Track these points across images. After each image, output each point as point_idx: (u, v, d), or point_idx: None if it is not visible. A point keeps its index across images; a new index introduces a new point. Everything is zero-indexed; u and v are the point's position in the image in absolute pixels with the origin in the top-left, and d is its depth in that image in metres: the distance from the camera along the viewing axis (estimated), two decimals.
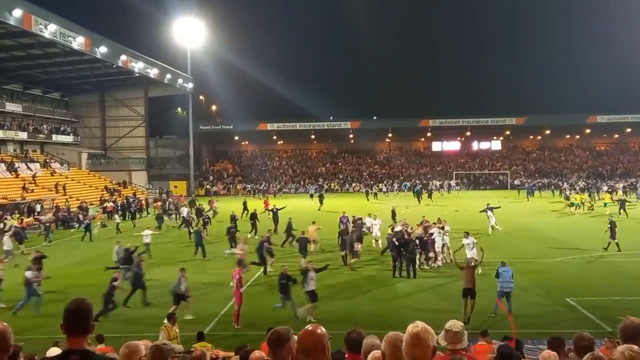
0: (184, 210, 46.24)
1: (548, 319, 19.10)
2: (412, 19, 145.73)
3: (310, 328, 4.33)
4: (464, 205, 56.98)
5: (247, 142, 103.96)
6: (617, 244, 31.27)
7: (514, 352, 6.69)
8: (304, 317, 19.43)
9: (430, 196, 67.10)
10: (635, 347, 4.36)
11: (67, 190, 62.64)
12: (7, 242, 32.80)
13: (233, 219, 40.27)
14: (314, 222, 35.00)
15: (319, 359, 4.17)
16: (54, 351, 9.94)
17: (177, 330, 15.36)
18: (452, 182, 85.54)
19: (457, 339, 6.35)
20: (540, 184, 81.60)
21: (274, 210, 43.30)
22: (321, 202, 59.54)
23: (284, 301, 20.36)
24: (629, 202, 52.33)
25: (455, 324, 6.51)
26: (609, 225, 32.25)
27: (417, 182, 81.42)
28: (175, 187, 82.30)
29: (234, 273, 20.60)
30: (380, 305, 21.86)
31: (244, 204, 52.41)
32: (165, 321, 15.42)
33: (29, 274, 22.16)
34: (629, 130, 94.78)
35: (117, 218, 48.69)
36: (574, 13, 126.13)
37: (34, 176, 62.32)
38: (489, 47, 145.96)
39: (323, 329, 4.35)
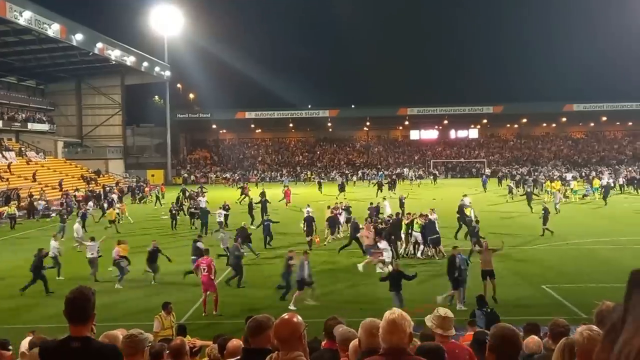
0: (202, 201, 44.14)
1: (524, 305, 19.32)
2: (391, 8, 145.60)
3: (286, 317, 4.35)
4: (442, 194, 57.11)
5: (225, 131, 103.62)
6: (547, 230, 32.82)
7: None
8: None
9: (392, 188, 60.85)
10: (595, 327, 4.44)
11: (42, 179, 62.08)
12: None
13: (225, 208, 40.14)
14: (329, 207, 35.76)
15: (295, 347, 4.19)
16: (27, 340, 9.93)
17: (173, 320, 15.27)
18: (436, 172, 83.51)
19: (447, 325, 6.44)
20: (501, 173, 79.65)
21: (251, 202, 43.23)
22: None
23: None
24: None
25: (448, 311, 6.62)
26: (543, 212, 33.54)
27: (384, 172, 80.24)
28: (153, 175, 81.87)
29: (201, 261, 20.69)
30: (360, 292, 21.98)
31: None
32: (162, 312, 15.24)
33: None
34: (604, 118, 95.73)
35: (90, 207, 48.05)
36: (551, 2, 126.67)
37: (9, 165, 61.65)
38: (467, 36, 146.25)
39: (299, 318, 4.37)
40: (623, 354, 0.72)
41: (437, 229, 28.48)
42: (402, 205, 40.32)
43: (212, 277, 20.18)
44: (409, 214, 31.32)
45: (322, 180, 71.53)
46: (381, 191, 57.17)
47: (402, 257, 27.66)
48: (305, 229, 31.79)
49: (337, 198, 47.32)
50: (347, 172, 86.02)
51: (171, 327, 14.66)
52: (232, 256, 24.13)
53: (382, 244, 25.07)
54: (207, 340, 11.79)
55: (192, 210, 41.23)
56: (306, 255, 21.28)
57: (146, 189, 64.68)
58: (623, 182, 62.53)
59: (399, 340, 3.89)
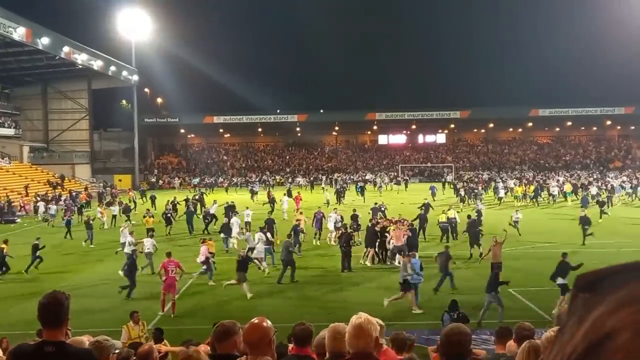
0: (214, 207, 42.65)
1: (491, 309, 19.45)
2: (359, 13, 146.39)
3: (256, 321, 4.37)
4: (414, 199, 57.22)
5: (193, 135, 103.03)
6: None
7: (408, 338, 6.85)
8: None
9: (341, 197, 58.20)
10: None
11: (7, 184, 61.24)
12: None
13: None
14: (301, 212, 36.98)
15: (264, 352, 4.20)
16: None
17: (143, 328, 14.97)
18: (407, 178, 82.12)
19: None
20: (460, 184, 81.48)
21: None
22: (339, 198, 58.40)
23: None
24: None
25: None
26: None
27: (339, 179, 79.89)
28: (120, 180, 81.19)
29: (168, 263, 20.70)
30: (329, 298, 22.02)
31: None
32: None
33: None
34: (569, 123, 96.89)
35: (52, 210, 47.38)
36: (518, 8, 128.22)
37: None
38: (435, 42, 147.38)
39: (269, 322, 4.38)
40: (556, 358, 0.74)
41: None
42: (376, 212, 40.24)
43: (177, 280, 20.61)
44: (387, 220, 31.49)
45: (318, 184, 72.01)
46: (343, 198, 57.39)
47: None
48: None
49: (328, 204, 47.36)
50: (340, 177, 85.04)
51: (139, 337, 14.37)
52: (286, 251, 24.66)
53: None
54: (176, 345, 11.72)
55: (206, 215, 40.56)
56: (408, 258, 21.21)
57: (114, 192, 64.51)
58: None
59: (365, 345, 3.91)
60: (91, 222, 35.76)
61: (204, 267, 24.74)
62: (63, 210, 46.56)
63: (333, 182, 76.85)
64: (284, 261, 24.66)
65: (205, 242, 25.85)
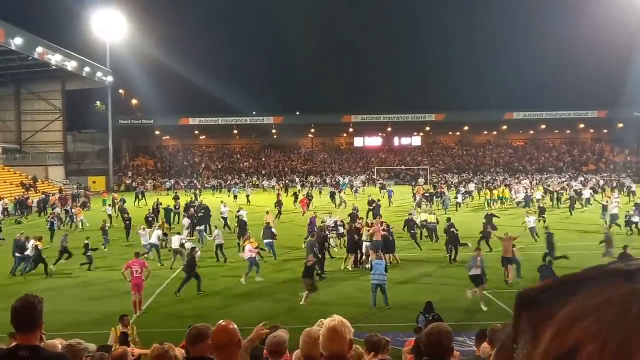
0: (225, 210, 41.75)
1: (465, 311, 19.55)
2: (336, 16, 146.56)
3: (223, 324, 4.35)
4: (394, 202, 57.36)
5: (168, 137, 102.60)
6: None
7: (382, 339, 6.89)
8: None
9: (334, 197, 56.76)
10: None
11: None
12: None
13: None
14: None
15: (234, 355, 4.18)
16: None
17: (132, 332, 14.79)
18: (383, 181, 79.91)
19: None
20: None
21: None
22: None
23: None
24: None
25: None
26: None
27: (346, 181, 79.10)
28: (94, 182, 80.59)
29: (133, 263, 21.08)
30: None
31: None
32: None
33: None
34: (543, 126, 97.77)
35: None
36: (493, 12, 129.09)
37: None
38: (411, 45, 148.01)
39: (235, 325, 4.36)
40: None
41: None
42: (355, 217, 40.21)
43: (144, 279, 21.10)
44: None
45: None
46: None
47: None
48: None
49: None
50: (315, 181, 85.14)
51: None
52: (311, 250, 25.03)
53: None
54: (148, 348, 11.63)
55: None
56: (479, 251, 21.85)
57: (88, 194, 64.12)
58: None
59: (339, 348, 3.90)
60: (107, 227, 35.46)
61: (251, 263, 25.26)
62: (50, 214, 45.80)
63: (310, 185, 76.38)
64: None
65: (249, 240, 26.49)
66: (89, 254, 27.89)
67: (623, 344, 0.59)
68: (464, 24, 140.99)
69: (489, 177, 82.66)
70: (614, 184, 68.58)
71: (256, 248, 25.68)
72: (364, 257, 27.56)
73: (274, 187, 79.10)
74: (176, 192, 62.10)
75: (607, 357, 0.59)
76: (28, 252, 27.08)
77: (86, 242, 28.60)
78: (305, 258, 23.85)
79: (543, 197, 54.12)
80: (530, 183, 71.98)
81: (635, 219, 36.08)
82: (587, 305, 0.65)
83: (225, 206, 41.22)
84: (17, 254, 27.30)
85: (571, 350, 0.63)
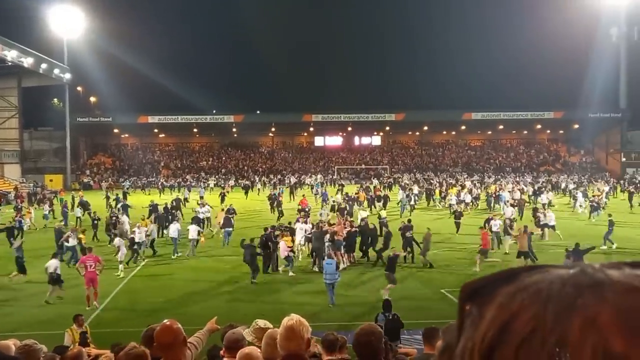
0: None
1: (423, 309, 19.74)
2: (297, 14, 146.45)
3: (167, 323, 4.38)
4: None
5: (127, 135, 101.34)
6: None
7: (339, 338, 6.96)
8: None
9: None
10: None
11: None
12: None
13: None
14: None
15: (179, 354, 4.21)
16: None
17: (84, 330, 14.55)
18: (342, 182, 77.64)
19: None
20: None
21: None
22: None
23: None
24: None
25: (267, 322, 6.60)
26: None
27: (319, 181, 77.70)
28: (51, 180, 79.43)
29: (87, 258, 21.54)
30: (264, 299, 22.02)
31: None
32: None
33: None
34: (501, 127, 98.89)
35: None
36: (452, 14, 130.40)
37: None
38: (370, 45, 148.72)
39: (179, 324, 4.40)
40: (465, 353, 0.75)
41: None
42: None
43: (98, 274, 21.40)
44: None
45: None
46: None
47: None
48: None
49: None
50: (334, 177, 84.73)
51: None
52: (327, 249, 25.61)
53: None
54: (105, 349, 11.55)
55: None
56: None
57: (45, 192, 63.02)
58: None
59: (296, 347, 3.95)
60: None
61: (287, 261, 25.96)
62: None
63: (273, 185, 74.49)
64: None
65: (283, 238, 26.84)
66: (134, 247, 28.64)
67: (560, 304, 0.63)
68: (423, 25, 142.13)
69: (439, 178, 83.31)
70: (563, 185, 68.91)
71: (289, 246, 26.01)
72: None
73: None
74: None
75: (544, 322, 0.63)
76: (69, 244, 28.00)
77: (132, 236, 29.43)
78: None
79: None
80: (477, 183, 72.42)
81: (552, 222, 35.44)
82: (526, 283, 0.69)
83: (203, 206, 40.08)
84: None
85: (510, 319, 0.67)
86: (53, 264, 22.33)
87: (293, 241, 27.83)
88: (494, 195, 52.61)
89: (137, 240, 28.57)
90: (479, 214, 44.53)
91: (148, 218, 35.75)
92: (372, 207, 50.07)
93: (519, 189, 57.72)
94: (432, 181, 74.19)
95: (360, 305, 20.44)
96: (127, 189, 67.59)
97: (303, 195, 52.98)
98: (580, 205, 49.27)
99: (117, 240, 28.10)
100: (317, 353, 5.87)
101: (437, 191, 58.20)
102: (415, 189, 58.51)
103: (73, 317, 14.83)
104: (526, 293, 0.68)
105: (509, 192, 54.28)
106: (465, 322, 0.76)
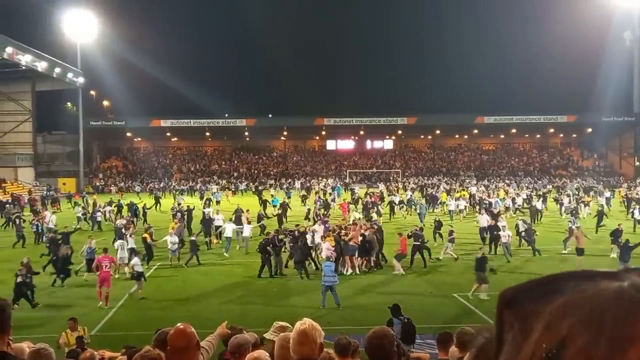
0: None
1: (435, 313, 19.69)
2: (309, 18, 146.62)
3: (181, 327, 4.38)
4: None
5: (139, 139, 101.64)
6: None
7: (352, 342, 6.93)
8: None
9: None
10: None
11: None
12: None
13: None
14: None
15: (192, 356, 4.21)
16: None
17: (82, 334, 14.52)
18: (355, 187, 74.90)
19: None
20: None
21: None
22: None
23: None
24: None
25: (287, 324, 6.64)
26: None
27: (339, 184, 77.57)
28: (64, 184, 79.73)
29: (103, 258, 22.68)
30: (275, 304, 22.03)
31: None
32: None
33: None
34: (514, 130, 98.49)
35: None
36: (465, 17, 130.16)
37: None
38: (383, 49, 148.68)
39: (192, 328, 4.40)
40: None
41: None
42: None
43: (112, 274, 23.02)
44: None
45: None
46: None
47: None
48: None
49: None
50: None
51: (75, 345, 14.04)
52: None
53: None
54: (116, 352, 11.57)
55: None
56: None
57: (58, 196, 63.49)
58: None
59: (309, 351, 3.93)
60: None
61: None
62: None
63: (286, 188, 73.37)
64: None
65: (328, 238, 27.03)
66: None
67: (616, 332, 0.58)
68: (436, 29, 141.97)
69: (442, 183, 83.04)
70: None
71: (333, 246, 25.95)
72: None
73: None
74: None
75: (601, 346, 0.59)
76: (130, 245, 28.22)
77: (193, 238, 30.81)
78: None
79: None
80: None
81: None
82: (578, 298, 0.64)
83: (218, 213, 38.90)
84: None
85: (563, 340, 0.63)
86: (135, 261, 23.83)
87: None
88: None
89: (170, 243, 29.37)
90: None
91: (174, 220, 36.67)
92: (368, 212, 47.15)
93: (517, 194, 57.27)
94: (439, 186, 73.41)
95: (372, 309, 20.35)
96: (138, 193, 67.10)
97: (344, 200, 53.88)
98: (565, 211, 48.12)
99: (118, 243, 28.28)
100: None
101: (443, 195, 57.71)
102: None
103: (67, 321, 14.94)
104: (577, 314, 0.63)
105: (512, 198, 54.06)
106: (505, 334, 0.72)
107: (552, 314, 0.65)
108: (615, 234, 29.83)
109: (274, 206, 49.72)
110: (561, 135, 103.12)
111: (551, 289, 0.69)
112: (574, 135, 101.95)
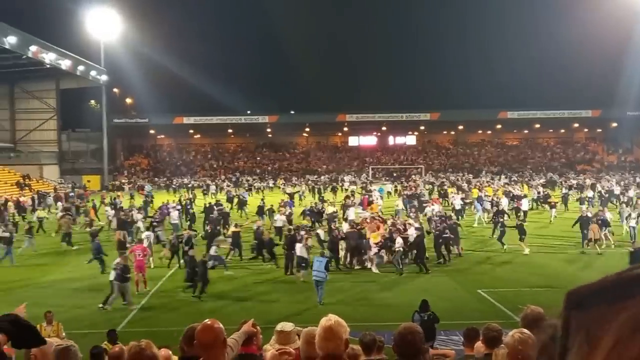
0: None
1: (460, 310, 19.58)
2: (332, 14, 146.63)
3: (208, 322, 4.36)
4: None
5: (162, 136, 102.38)
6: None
7: (377, 338, 6.87)
8: None
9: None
10: (526, 330, 4.58)
11: None
12: None
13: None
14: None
15: (219, 354, 4.20)
16: None
17: (56, 329, 14.45)
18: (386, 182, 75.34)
19: (288, 339, 6.41)
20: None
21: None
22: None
23: None
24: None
25: (287, 325, 6.60)
26: None
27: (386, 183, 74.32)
28: (89, 181, 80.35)
29: (136, 248, 25.14)
30: (296, 299, 22.03)
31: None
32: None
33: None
34: (537, 126, 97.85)
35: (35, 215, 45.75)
36: (487, 12, 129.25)
37: None
38: (405, 44, 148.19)
39: (220, 324, 4.38)
40: None
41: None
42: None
43: (146, 262, 24.95)
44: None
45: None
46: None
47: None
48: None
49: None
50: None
51: (51, 338, 13.89)
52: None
53: None
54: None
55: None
56: None
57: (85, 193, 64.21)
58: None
59: (335, 347, 3.90)
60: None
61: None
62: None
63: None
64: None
65: (371, 234, 27.62)
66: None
67: None
68: (458, 23, 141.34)
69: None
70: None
71: (376, 243, 26.50)
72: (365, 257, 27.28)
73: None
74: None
75: None
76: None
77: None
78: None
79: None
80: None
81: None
82: None
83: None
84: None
85: None
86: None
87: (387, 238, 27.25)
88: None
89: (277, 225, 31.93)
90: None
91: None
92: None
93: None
94: (458, 182, 71.96)
95: (396, 306, 20.29)
96: (148, 193, 64.80)
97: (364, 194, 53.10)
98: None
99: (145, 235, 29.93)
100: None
101: (474, 190, 56.41)
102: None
103: (44, 313, 14.78)
104: None
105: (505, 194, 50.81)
106: (571, 340, 0.68)
107: (621, 329, 0.60)
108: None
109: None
110: (585, 130, 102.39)
111: (625, 292, 0.62)
112: (599, 130, 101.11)
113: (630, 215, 34.92)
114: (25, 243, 32.61)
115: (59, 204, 52.23)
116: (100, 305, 20.74)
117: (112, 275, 21.29)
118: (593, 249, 29.77)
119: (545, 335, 0.77)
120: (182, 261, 26.46)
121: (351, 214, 37.27)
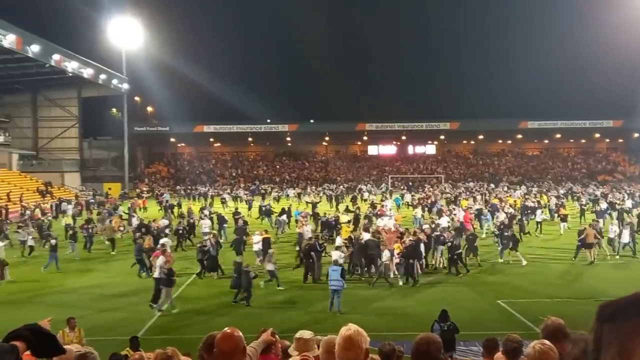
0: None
1: (479, 321, 19.47)
2: (351, 24, 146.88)
3: (228, 331, 4.37)
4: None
5: (183, 145, 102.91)
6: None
7: (396, 347, 6.84)
8: None
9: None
10: (547, 341, 4.55)
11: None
12: None
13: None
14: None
15: None
16: None
17: (78, 335, 14.59)
18: (405, 192, 73.55)
19: (307, 347, 6.41)
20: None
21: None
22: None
23: None
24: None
25: (305, 333, 6.60)
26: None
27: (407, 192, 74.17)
28: (110, 189, 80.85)
29: (156, 254, 24.32)
30: (316, 308, 22.01)
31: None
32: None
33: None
34: (558, 135, 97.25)
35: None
36: (508, 21, 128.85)
37: None
38: (424, 53, 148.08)
39: (239, 332, 4.39)
40: None
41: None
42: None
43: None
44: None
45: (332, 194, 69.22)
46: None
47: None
48: None
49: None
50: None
51: (72, 344, 13.95)
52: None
53: None
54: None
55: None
56: None
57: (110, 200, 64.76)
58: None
59: (355, 357, 3.89)
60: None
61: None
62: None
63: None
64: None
65: (394, 244, 27.39)
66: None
67: None
68: (478, 32, 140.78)
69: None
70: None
71: (398, 254, 26.23)
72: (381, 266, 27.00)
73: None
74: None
75: None
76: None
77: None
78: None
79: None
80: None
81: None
82: None
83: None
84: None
85: None
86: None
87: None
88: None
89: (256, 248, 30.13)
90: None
91: None
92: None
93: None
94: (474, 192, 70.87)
95: (415, 315, 20.23)
96: (166, 200, 62.81)
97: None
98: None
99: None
100: None
101: (462, 201, 55.53)
102: (408, 197, 59.99)
103: (66, 320, 14.84)
104: None
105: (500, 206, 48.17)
106: (603, 354, 0.67)
107: None
108: None
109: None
110: (607, 140, 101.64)
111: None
112: (621, 140, 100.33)
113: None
114: (70, 248, 34.19)
115: (69, 210, 53.01)
116: (151, 304, 21.71)
117: (156, 273, 22.35)
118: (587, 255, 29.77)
119: (577, 349, 0.78)
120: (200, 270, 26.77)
121: (387, 222, 36.80)
